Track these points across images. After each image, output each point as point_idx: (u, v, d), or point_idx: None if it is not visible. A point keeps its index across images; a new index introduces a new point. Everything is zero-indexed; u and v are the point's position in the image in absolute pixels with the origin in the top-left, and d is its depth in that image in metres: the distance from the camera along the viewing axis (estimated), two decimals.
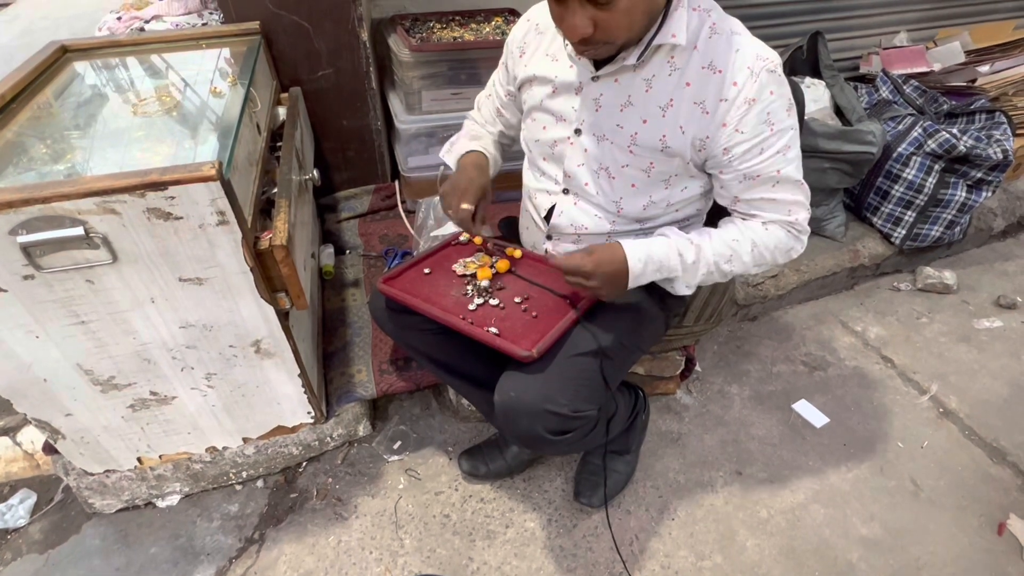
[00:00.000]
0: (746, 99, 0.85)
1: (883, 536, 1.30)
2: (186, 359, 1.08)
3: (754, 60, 0.85)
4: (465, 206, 1.02)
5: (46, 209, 0.82)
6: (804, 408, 1.59)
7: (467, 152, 1.14)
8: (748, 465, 1.45)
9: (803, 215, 0.96)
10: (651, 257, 0.93)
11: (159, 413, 1.16)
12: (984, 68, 2.14)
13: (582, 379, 0.97)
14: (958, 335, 1.85)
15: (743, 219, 0.98)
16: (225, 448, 1.29)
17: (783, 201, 0.94)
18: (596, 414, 1.01)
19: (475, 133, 1.21)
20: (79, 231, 0.84)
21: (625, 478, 1.37)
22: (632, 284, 0.95)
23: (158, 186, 0.83)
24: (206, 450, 1.28)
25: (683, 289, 0.99)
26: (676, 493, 1.38)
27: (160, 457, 1.25)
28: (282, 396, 1.22)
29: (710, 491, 1.38)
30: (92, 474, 1.24)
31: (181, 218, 0.88)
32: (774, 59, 0.86)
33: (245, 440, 1.29)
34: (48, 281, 0.90)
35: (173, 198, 0.85)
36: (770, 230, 0.96)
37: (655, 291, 1.07)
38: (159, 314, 1.00)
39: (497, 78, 1.17)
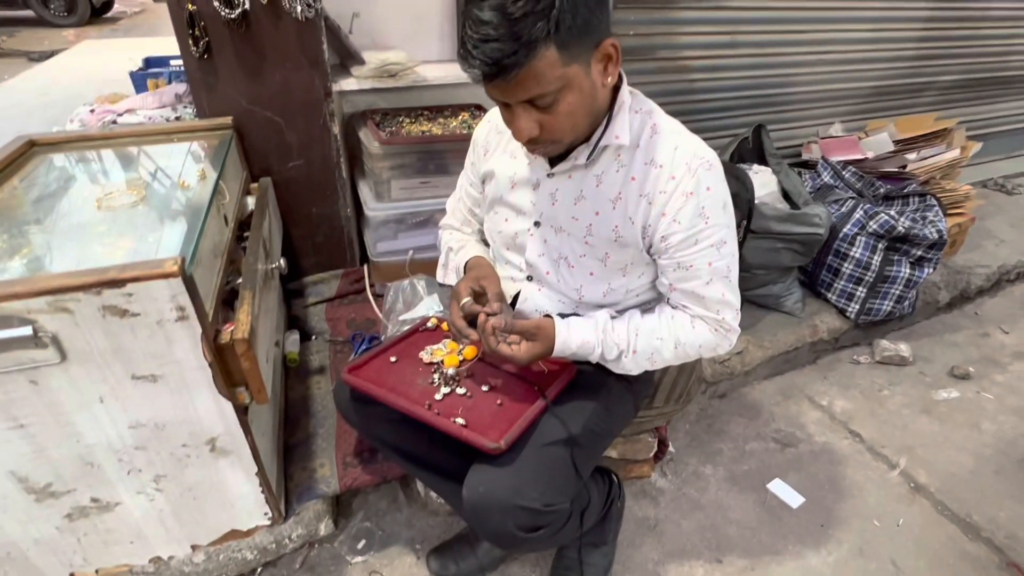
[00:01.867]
0: (684, 192, 0.90)
1: None
2: (134, 461, 1.01)
3: (692, 157, 0.91)
4: (456, 310, 1.02)
5: None
6: (779, 488, 1.58)
7: (463, 264, 1.15)
8: (727, 552, 1.40)
9: (730, 315, 0.99)
10: (584, 342, 0.98)
11: (99, 522, 1.07)
12: (912, 155, 2.34)
13: (554, 470, 0.95)
14: (919, 407, 1.89)
15: (673, 308, 1.01)
16: (171, 557, 1.19)
17: (712, 300, 0.96)
18: (569, 507, 0.98)
19: (458, 243, 1.20)
20: (27, 331, 0.81)
21: (603, 572, 1.31)
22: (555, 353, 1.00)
23: (116, 283, 0.82)
24: (149, 561, 1.17)
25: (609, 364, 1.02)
26: None
27: (96, 572, 1.14)
28: (237, 497, 1.15)
29: None
30: None
31: (138, 315, 0.86)
32: (711, 158, 0.92)
33: (194, 547, 1.19)
34: None
35: (131, 295, 0.83)
36: (696, 328, 0.99)
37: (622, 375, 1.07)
38: (107, 414, 0.94)
39: (464, 181, 1.19)
